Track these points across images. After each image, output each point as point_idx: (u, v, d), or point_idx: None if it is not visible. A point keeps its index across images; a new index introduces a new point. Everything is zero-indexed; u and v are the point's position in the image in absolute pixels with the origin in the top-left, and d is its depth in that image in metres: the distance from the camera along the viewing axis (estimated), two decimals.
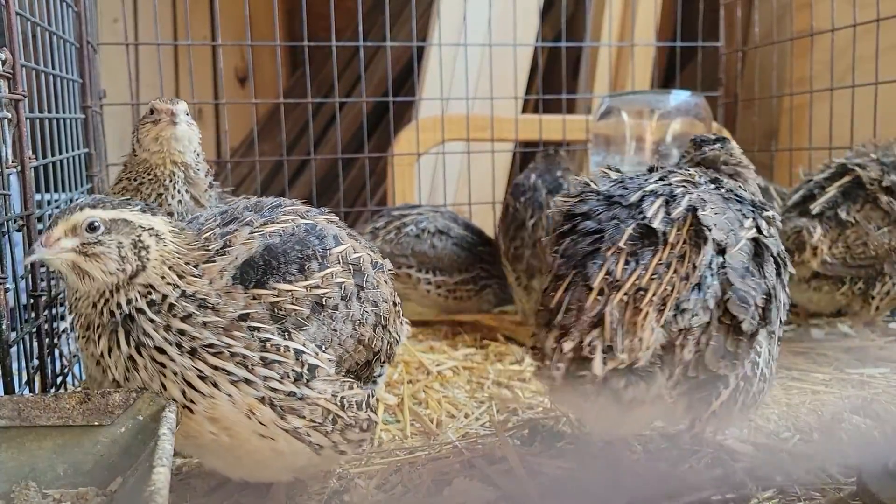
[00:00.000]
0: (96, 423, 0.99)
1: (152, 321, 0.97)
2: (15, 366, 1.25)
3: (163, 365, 0.97)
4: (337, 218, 1.25)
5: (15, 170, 1.27)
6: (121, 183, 1.42)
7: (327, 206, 3.39)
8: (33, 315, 1.38)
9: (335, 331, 1.05)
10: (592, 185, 1.28)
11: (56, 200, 1.81)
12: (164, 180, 1.37)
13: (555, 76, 3.30)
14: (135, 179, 1.38)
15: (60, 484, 0.98)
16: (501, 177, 2.97)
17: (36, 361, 1.37)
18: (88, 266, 0.97)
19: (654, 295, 1.10)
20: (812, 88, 2.49)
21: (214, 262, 1.02)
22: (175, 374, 0.98)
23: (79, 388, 1.63)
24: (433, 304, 2.33)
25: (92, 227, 0.96)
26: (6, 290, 1.22)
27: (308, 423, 1.02)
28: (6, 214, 1.25)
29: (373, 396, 1.14)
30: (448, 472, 1.31)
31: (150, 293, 0.98)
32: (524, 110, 3.24)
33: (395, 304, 1.24)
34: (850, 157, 2.05)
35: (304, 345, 1.01)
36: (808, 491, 1.21)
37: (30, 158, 1.32)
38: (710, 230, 1.15)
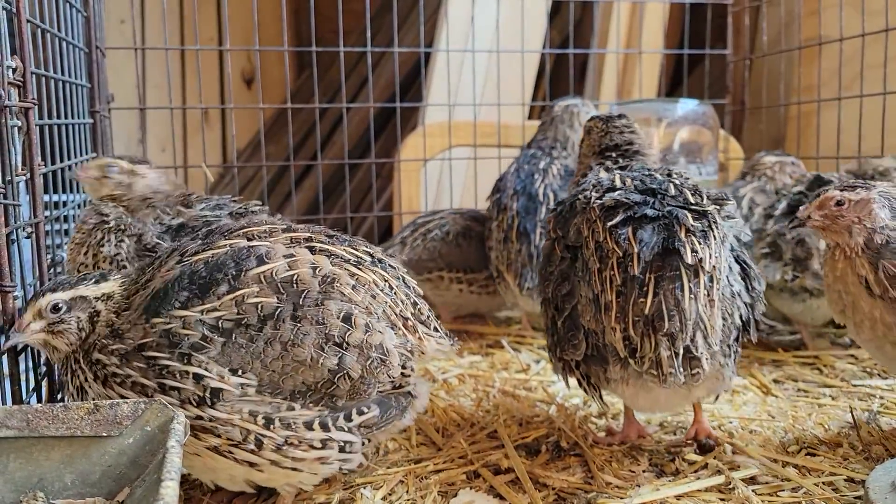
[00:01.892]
0: (104, 434, 0.99)
1: (77, 362, 1.11)
2: (21, 367, 1.26)
3: (85, 392, 1.10)
4: (314, 230, 1.22)
5: (24, 177, 1.28)
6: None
7: (333, 210, 3.39)
8: None
9: (257, 352, 1.06)
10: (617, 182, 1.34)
11: (64, 203, 1.82)
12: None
13: (561, 82, 3.30)
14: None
15: (68, 494, 0.98)
16: None
17: (43, 368, 1.37)
18: (56, 342, 1.12)
19: (718, 284, 1.21)
20: (819, 97, 2.49)
21: (136, 295, 1.11)
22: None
23: None
24: (467, 302, 2.36)
25: (55, 309, 1.11)
26: (15, 298, 1.22)
27: (225, 441, 1.06)
28: (15, 222, 1.25)
29: (346, 416, 1.13)
30: (454, 482, 1.31)
31: (90, 344, 1.11)
32: (530, 116, 3.24)
33: (405, 318, 1.20)
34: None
35: (205, 368, 1.04)
36: None
37: (39, 165, 1.32)
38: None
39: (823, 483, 1.28)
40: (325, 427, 1.11)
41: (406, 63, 3.49)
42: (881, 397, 1.67)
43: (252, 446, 1.06)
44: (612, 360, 1.26)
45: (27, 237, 1.34)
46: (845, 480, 1.28)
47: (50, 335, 1.11)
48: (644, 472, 1.34)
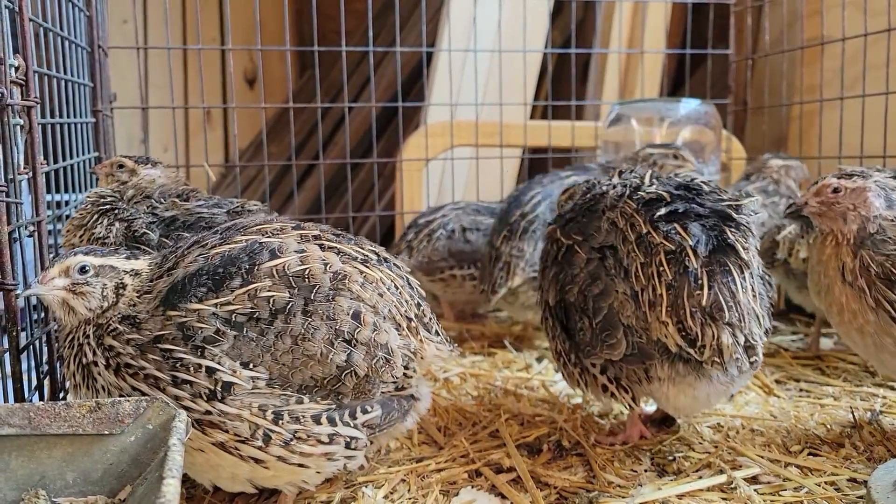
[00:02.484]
0: (106, 432, 0.99)
1: (87, 337, 1.09)
2: (24, 365, 1.26)
3: (94, 379, 1.08)
4: (322, 228, 1.22)
5: (27, 176, 1.28)
6: None
7: (335, 210, 3.40)
8: (43, 320, 1.39)
9: (267, 346, 1.06)
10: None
11: (66, 202, 1.82)
12: None
13: (564, 82, 3.30)
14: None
15: (70, 492, 0.98)
16: (509, 183, 2.96)
17: (46, 366, 1.38)
18: (75, 303, 1.10)
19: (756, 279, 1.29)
20: (822, 97, 2.48)
21: (157, 283, 1.11)
22: (104, 388, 1.07)
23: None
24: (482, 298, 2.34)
25: (83, 270, 1.10)
26: (16, 296, 1.22)
27: (233, 437, 1.05)
28: (17, 220, 1.26)
29: (350, 414, 1.13)
30: (456, 481, 1.31)
31: (106, 321, 1.10)
32: (532, 116, 3.24)
33: (409, 319, 1.21)
34: None
35: (218, 362, 1.03)
36: None
37: (41, 164, 1.32)
38: None
39: (826, 483, 1.28)
40: (332, 422, 1.11)
41: (408, 63, 3.49)
42: (883, 397, 1.67)
43: (260, 442, 1.06)
44: (658, 357, 1.27)
45: (29, 236, 1.35)
46: (847, 480, 1.28)
47: (71, 294, 1.09)
48: (646, 471, 1.34)
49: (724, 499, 1.23)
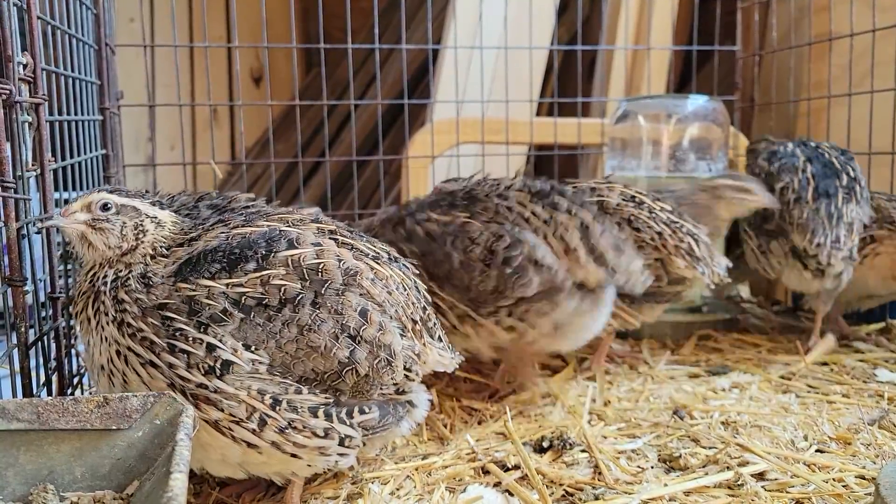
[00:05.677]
0: (114, 427, 1.00)
1: (105, 284, 1.11)
2: (32, 362, 1.27)
3: (102, 328, 1.10)
4: (337, 224, 1.22)
5: (35, 173, 1.28)
6: None
7: (340, 207, 3.40)
8: (51, 316, 1.39)
9: (273, 332, 1.06)
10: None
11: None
12: None
13: (570, 79, 3.29)
14: None
15: (78, 487, 0.99)
16: None
17: (54, 362, 1.38)
18: (93, 237, 1.12)
19: None
20: (830, 93, 2.47)
21: (177, 251, 1.12)
22: (107, 339, 1.09)
23: (94, 390, 1.64)
24: None
25: (105, 207, 1.13)
26: (25, 293, 1.23)
27: (228, 417, 1.05)
28: (26, 217, 1.26)
29: (347, 412, 1.12)
30: (462, 478, 1.31)
31: (126, 268, 1.12)
32: (538, 113, 3.23)
33: (414, 321, 1.20)
34: None
35: (220, 340, 1.04)
36: (824, 502, 1.20)
37: (49, 161, 1.33)
38: None
39: (833, 479, 1.27)
40: (328, 416, 1.11)
41: (414, 60, 3.49)
42: (891, 399, 1.66)
43: (255, 426, 1.06)
44: None
45: (37, 232, 1.35)
46: (856, 477, 1.28)
47: (90, 229, 1.12)
48: (652, 467, 1.34)
49: (730, 495, 1.23)
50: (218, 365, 1.04)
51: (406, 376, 1.18)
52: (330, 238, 1.16)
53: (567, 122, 2.73)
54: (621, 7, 3.01)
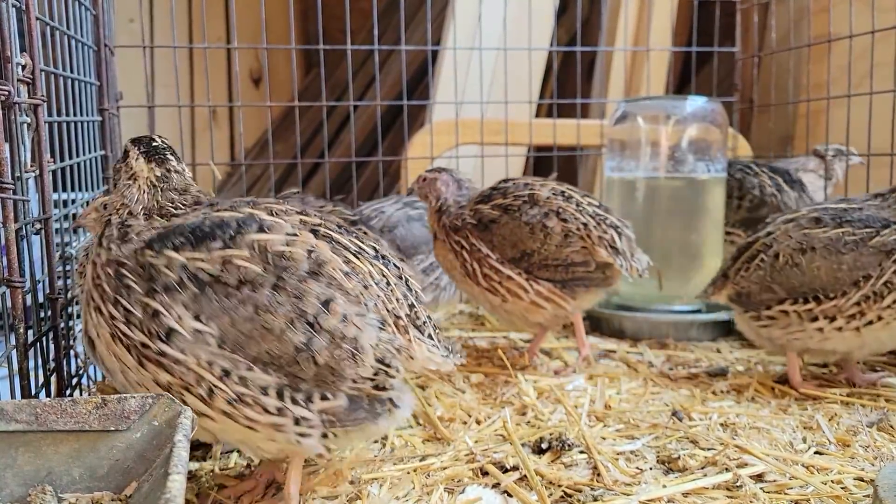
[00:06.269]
0: (112, 429, 1.00)
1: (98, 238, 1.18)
2: (31, 364, 1.27)
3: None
4: (327, 219, 1.21)
5: (34, 174, 1.28)
6: None
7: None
8: (50, 317, 1.39)
9: (227, 308, 1.07)
10: None
11: (73, 200, 1.82)
12: None
13: (569, 80, 3.30)
14: None
15: (76, 488, 0.99)
16: None
17: (52, 363, 1.38)
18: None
19: None
20: (829, 94, 2.47)
21: (162, 221, 1.15)
22: (86, 292, 1.14)
23: (94, 390, 1.64)
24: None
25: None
26: (24, 293, 1.23)
27: (178, 381, 1.07)
28: (24, 218, 1.26)
29: (306, 396, 1.11)
30: (461, 479, 1.31)
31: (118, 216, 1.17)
32: (538, 114, 3.24)
33: (398, 316, 1.17)
34: None
35: (166, 308, 1.06)
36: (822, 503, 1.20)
37: (48, 162, 1.33)
38: None
39: (832, 481, 1.27)
40: (280, 396, 1.10)
41: (413, 61, 3.49)
42: (888, 399, 1.67)
43: (203, 393, 1.07)
44: None
45: (36, 234, 1.35)
46: (854, 479, 1.28)
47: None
48: (651, 469, 1.34)
49: (729, 497, 1.23)
50: (161, 330, 1.06)
51: (384, 371, 1.15)
52: (310, 229, 1.15)
53: (566, 123, 2.73)
54: (621, 8, 3.01)
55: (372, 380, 1.15)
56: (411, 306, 1.23)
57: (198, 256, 1.08)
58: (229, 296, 1.07)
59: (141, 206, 1.16)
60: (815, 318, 1.64)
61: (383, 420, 1.20)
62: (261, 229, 1.11)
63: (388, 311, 1.17)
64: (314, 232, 1.15)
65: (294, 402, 1.10)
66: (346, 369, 1.12)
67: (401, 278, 1.24)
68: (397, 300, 1.19)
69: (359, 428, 1.18)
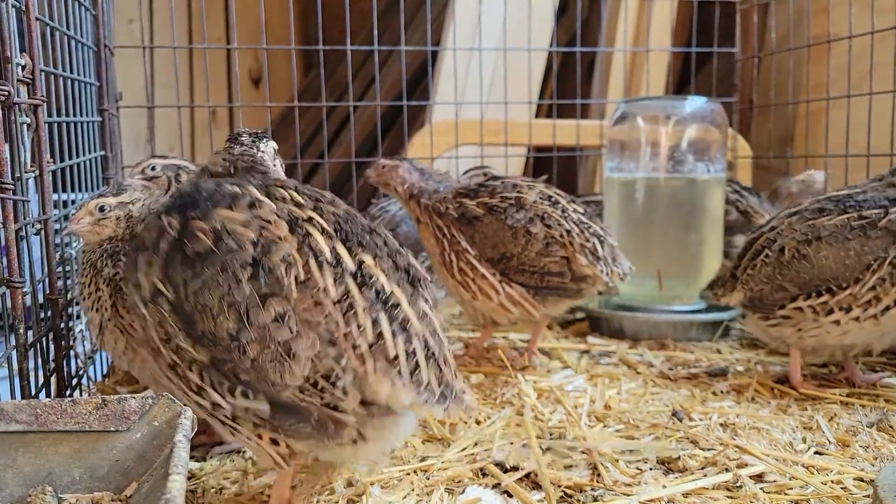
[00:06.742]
0: (112, 429, 1.00)
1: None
2: (30, 364, 1.27)
3: (99, 272, 1.36)
4: (325, 220, 1.11)
5: (33, 174, 1.28)
6: None
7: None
8: (49, 317, 1.39)
9: (185, 277, 1.06)
10: None
11: (73, 201, 1.82)
12: None
13: (569, 80, 3.30)
14: None
15: (76, 489, 0.99)
16: None
17: (52, 364, 1.38)
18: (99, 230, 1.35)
19: None
20: (828, 95, 2.47)
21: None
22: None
23: (94, 390, 1.64)
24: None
25: (101, 210, 1.33)
26: (24, 294, 1.23)
27: (141, 334, 1.14)
28: (24, 218, 1.26)
29: (230, 388, 1.06)
30: (461, 479, 1.31)
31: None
32: (537, 114, 3.24)
33: (354, 346, 1.04)
34: None
35: (144, 272, 1.10)
36: (822, 503, 1.20)
37: (48, 162, 1.33)
38: None
39: (832, 482, 1.27)
40: (201, 377, 1.08)
41: (413, 62, 3.49)
42: (890, 398, 1.67)
43: (152, 351, 1.12)
44: None
45: (36, 234, 1.35)
46: (854, 479, 1.28)
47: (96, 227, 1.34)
48: (651, 469, 1.34)
49: (729, 497, 1.23)
50: (131, 285, 1.12)
51: (331, 391, 1.05)
52: (287, 218, 1.08)
53: (566, 123, 2.74)
54: (620, 9, 3.01)
55: (318, 394, 1.06)
56: (379, 335, 1.07)
57: (174, 223, 1.11)
58: (187, 264, 1.07)
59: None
60: (831, 311, 1.62)
61: (339, 447, 1.11)
62: (229, 207, 1.09)
63: (342, 335, 1.05)
64: (290, 225, 1.08)
65: (212, 385, 1.06)
66: (270, 372, 1.04)
67: (384, 303, 1.08)
68: (360, 327, 1.05)
69: (307, 444, 1.11)
